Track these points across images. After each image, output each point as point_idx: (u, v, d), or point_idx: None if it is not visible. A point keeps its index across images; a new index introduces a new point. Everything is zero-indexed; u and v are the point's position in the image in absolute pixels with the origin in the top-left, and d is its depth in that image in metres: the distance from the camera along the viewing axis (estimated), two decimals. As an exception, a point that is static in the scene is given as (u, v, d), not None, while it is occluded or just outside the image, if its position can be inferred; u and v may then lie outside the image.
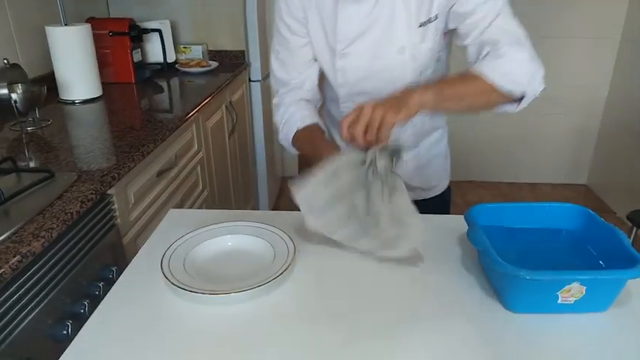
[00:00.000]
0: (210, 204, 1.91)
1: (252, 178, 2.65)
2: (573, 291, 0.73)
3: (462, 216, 0.92)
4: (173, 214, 1.13)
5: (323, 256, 0.91)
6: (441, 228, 0.99)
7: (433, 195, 1.29)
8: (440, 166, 1.27)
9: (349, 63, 1.02)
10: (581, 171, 3.34)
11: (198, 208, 1.79)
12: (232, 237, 0.95)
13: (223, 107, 2.07)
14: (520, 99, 0.94)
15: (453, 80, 0.91)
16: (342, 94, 1.08)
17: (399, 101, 0.81)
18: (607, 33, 2.97)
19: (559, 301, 0.74)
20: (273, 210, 2.94)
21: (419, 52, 0.99)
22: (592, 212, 0.92)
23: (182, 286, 0.79)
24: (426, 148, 1.21)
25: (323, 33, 1.02)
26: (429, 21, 0.96)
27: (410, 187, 1.09)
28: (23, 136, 1.43)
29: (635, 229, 1.94)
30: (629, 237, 1.95)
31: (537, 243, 0.92)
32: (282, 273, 0.83)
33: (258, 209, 2.80)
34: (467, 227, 0.89)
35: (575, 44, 3.02)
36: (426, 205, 1.06)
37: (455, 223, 1.00)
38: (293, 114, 1.07)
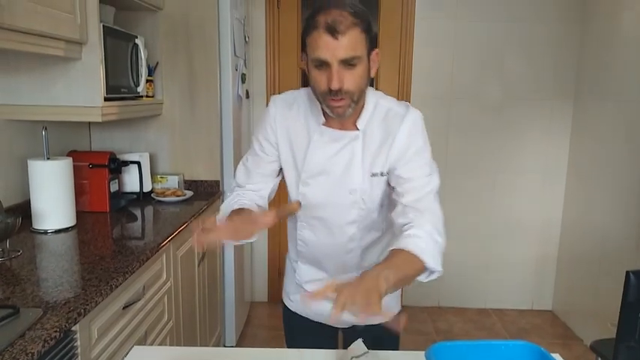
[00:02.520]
0: (174, 335, 1.86)
1: (220, 305, 2.61)
2: None
3: (423, 353, 0.95)
4: (136, 351, 1.12)
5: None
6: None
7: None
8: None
9: (310, 191, 1.19)
10: (545, 297, 3.41)
11: (162, 341, 1.75)
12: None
13: (195, 236, 2.11)
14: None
15: (401, 261, 1.02)
16: (300, 215, 1.24)
17: (376, 292, 0.89)
18: (554, 167, 3.26)
19: None
20: (240, 336, 2.85)
21: (367, 196, 1.17)
22: (544, 351, 0.96)
23: None
24: None
25: (292, 159, 1.21)
26: (378, 174, 1.15)
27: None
28: (-10, 267, 1.43)
29: (599, 359, 1.96)
30: (596, 367, 1.97)
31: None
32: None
33: (225, 337, 2.72)
34: (428, 367, 0.91)
35: (527, 179, 3.29)
36: (376, 329, 1.14)
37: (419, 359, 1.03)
38: (237, 201, 1.20)
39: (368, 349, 1.09)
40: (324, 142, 1.16)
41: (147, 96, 2.32)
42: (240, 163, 1.30)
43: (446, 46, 3.17)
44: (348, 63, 1.02)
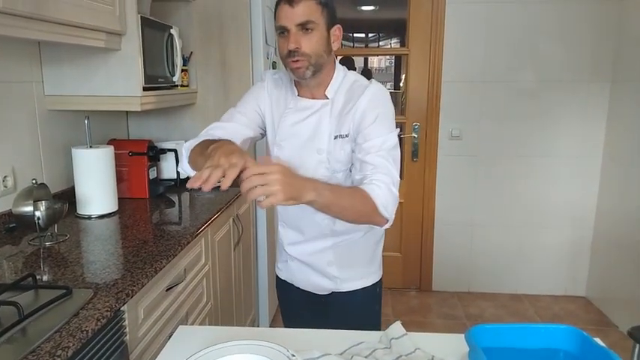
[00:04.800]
0: (212, 316, 1.92)
1: (254, 288, 2.67)
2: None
3: (463, 335, 0.97)
4: (181, 330, 1.17)
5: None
6: (443, 347, 1.03)
7: (356, 287, 1.44)
8: (361, 259, 1.44)
9: (282, 153, 1.35)
10: (579, 283, 3.36)
11: (202, 321, 1.81)
12: (242, 357, 0.99)
13: (230, 220, 2.17)
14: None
15: (347, 192, 1.16)
16: None
17: (297, 190, 0.97)
18: (589, 152, 3.19)
19: None
20: (273, 317, 2.92)
21: (332, 156, 1.30)
22: (586, 335, 0.96)
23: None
24: (346, 242, 1.40)
25: (272, 128, 1.39)
26: (343, 136, 1.29)
27: (329, 275, 1.42)
28: (41, 250, 1.50)
29: (637, 345, 1.93)
30: (633, 354, 1.94)
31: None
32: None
33: (260, 319, 2.78)
34: (467, 347, 0.93)
35: (562, 163, 3.22)
36: (352, 295, 1.41)
37: (456, 342, 1.04)
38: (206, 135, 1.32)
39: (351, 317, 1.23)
40: (296, 109, 1.34)
41: (182, 85, 2.36)
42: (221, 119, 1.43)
43: (478, 29, 3.11)
44: (304, 27, 1.20)
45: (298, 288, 1.50)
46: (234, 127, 1.36)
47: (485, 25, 3.11)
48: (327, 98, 1.32)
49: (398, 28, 3.22)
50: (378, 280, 1.48)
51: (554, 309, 3.21)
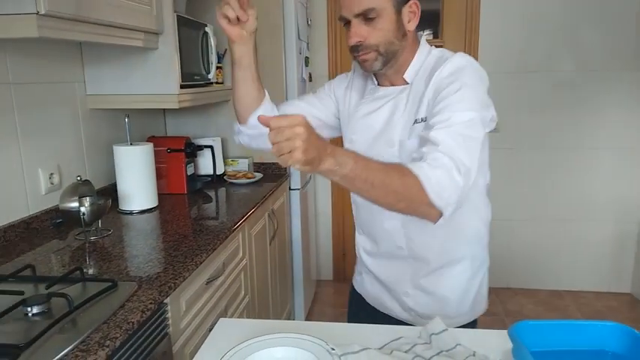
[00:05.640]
0: (250, 310, 1.95)
1: (290, 283, 2.69)
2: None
3: (503, 331, 0.95)
4: (222, 323, 1.19)
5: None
6: (484, 343, 1.01)
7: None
8: (454, 296, 1.20)
9: (353, 148, 1.17)
10: (624, 279, 3.24)
11: (240, 315, 1.84)
12: (282, 349, 1.00)
13: (266, 215, 2.19)
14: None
15: (381, 167, 0.91)
16: None
17: (317, 151, 0.81)
18: (633, 143, 3.06)
19: None
20: (309, 312, 2.94)
21: (404, 148, 1.10)
22: (638, 334, 0.92)
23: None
24: (435, 273, 1.18)
25: (346, 120, 1.25)
26: (420, 121, 1.07)
27: (403, 305, 1.21)
28: (86, 245, 1.56)
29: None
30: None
31: (583, 363, 0.92)
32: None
33: (295, 313, 2.81)
34: (510, 343, 0.91)
35: (603, 155, 3.11)
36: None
37: (497, 338, 1.02)
38: None
39: None
40: (372, 99, 1.18)
41: (217, 82, 2.40)
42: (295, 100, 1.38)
43: (514, 17, 3.03)
44: (365, 17, 1.04)
45: (369, 304, 1.32)
46: (303, 106, 1.28)
47: (522, 13, 3.02)
48: (407, 83, 1.13)
49: (431, 20, 3.16)
50: (469, 321, 1.22)
51: (597, 306, 3.11)
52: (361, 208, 1.25)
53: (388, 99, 1.15)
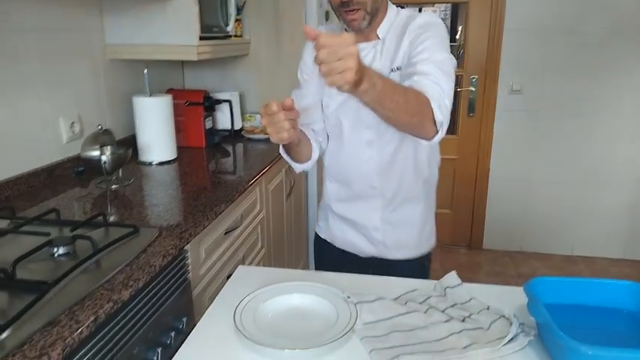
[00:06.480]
0: (266, 261, 1.99)
1: (305, 238, 2.73)
2: (638, 369, 0.74)
3: (522, 288, 0.96)
4: (241, 270, 1.22)
5: (385, 319, 0.96)
6: (498, 298, 1.02)
7: (406, 257, 1.37)
8: (414, 229, 1.37)
9: (331, 101, 1.27)
10: (639, 246, 3.22)
11: (257, 266, 1.88)
12: (299, 296, 1.02)
13: (283, 171, 2.20)
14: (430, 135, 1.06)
15: (399, 86, 1.01)
16: (327, 127, 1.32)
17: (360, 76, 0.82)
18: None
19: (623, 379, 0.75)
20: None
21: None
22: (655, 291, 0.92)
23: (253, 340, 0.86)
24: (400, 208, 1.33)
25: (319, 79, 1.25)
26: (393, 70, 1.18)
27: (372, 240, 1.35)
28: (108, 193, 1.59)
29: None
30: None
31: (598, 320, 0.93)
32: (345, 333, 0.88)
33: (310, 268, 2.86)
34: (526, 299, 0.92)
35: (627, 121, 3.03)
36: (401, 267, 1.33)
37: (511, 294, 1.04)
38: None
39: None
40: None
41: (235, 35, 2.36)
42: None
43: (546, -27, 2.90)
44: None
45: (337, 247, 1.43)
46: (306, 92, 1.32)
47: (554, -30, 2.89)
48: (379, 38, 1.22)
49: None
50: (427, 252, 1.40)
51: (611, 272, 3.11)
52: (337, 156, 1.33)
53: (364, 53, 1.22)
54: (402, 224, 1.35)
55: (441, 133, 1.05)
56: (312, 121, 1.31)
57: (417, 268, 1.38)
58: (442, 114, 1.02)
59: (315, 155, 1.29)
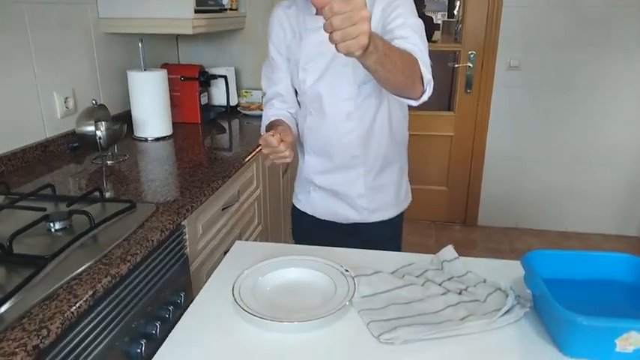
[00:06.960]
0: (263, 238, 2.00)
1: (301, 216, 2.74)
2: (632, 339, 0.75)
3: (517, 262, 0.97)
4: (238, 245, 1.22)
5: (382, 292, 0.97)
6: (494, 272, 1.03)
7: (387, 218, 1.41)
8: (393, 190, 1.41)
9: (308, 76, 1.27)
10: (632, 222, 3.25)
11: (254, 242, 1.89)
12: (297, 270, 1.03)
13: (279, 148, 2.19)
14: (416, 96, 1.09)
15: (394, 46, 1.00)
16: (303, 102, 1.33)
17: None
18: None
19: (617, 349, 0.76)
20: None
21: (357, 64, 1.06)
22: (647, 263, 0.94)
23: (252, 312, 0.87)
24: (381, 173, 1.37)
25: (294, 53, 1.30)
26: None
27: (357, 207, 1.38)
28: (104, 168, 1.58)
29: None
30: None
31: (593, 292, 0.94)
32: (344, 306, 0.89)
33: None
34: (521, 273, 0.93)
35: (625, 98, 3.02)
36: (379, 228, 1.38)
37: (507, 267, 1.05)
38: (272, 116, 1.36)
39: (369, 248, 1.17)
40: (316, 28, 1.19)
41: (231, 9, 2.32)
42: (263, 68, 1.42)
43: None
44: None
45: (317, 218, 1.45)
46: (282, 86, 1.36)
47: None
48: None
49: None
50: (404, 209, 1.45)
51: (604, 247, 3.14)
52: (318, 131, 1.33)
53: None
54: (383, 187, 1.39)
55: (429, 91, 1.08)
56: (289, 107, 1.37)
57: (393, 227, 1.44)
58: (429, 72, 1.07)
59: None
